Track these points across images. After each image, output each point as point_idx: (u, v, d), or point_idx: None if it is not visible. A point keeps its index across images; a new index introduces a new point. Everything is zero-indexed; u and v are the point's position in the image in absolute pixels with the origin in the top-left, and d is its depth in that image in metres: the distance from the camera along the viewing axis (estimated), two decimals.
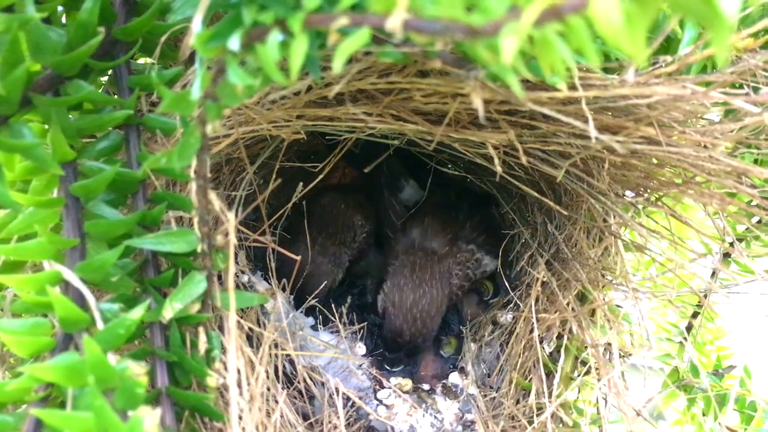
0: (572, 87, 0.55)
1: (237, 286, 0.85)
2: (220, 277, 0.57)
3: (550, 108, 0.56)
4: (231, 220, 0.51)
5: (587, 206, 0.83)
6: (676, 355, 1.02)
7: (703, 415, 0.98)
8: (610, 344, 0.79)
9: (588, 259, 0.85)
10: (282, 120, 0.71)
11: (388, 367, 1.00)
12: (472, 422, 0.89)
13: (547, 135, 0.69)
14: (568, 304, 0.85)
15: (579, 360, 0.86)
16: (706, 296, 0.95)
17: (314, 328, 0.95)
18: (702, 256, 0.80)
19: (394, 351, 0.98)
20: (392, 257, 1.04)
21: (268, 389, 0.72)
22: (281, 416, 0.72)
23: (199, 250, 0.53)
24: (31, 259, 0.59)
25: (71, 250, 0.51)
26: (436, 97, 0.66)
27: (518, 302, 0.96)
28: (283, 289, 0.93)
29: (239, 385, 0.59)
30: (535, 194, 0.81)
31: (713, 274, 0.98)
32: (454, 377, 0.95)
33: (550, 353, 0.87)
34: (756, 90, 0.62)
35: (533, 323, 0.86)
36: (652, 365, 1.03)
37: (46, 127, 0.53)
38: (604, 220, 0.81)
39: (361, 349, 0.94)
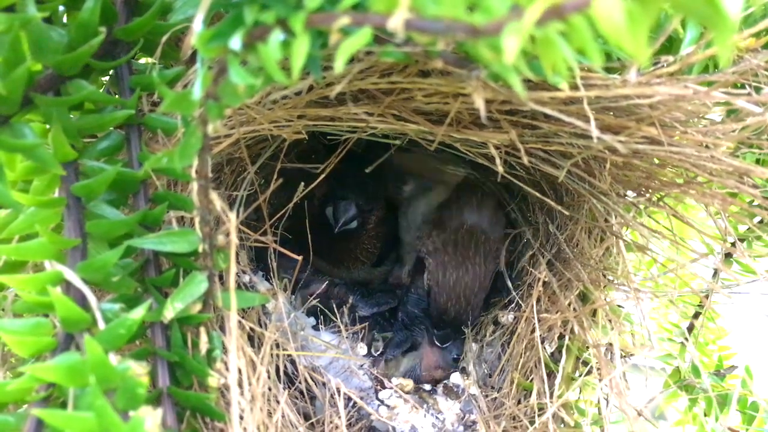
0: (574, 87, 0.55)
1: (238, 286, 0.85)
2: (221, 277, 0.57)
3: (552, 108, 0.56)
4: (232, 220, 0.51)
5: (589, 206, 0.83)
6: (678, 355, 1.02)
7: (705, 415, 0.98)
8: (611, 344, 0.79)
9: (589, 259, 0.85)
10: (283, 120, 0.71)
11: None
12: (474, 422, 0.88)
13: (549, 135, 0.69)
14: (569, 304, 0.85)
15: (580, 360, 0.86)
16: (707, 296, 0.95)
17: (315, 328, 0.95)
18: (704, 257, 0.80)
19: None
20: (433, 236, 1.04)
21: (270, 389, 0.72)
22: (282, 416, 0.72)
23: (200, 250, 0.53)
24: (32, 259, 0.59)
25: (72, 250, 0.51)
26: (438, 97, 0.66)
27: (520, 302, 0.96)
28: (285, 289, 0.93)
29: (240, 385, 0.59)
30: (537, 194, 0.81)
31: (715, 274, 0.97)
32: (455, 377, 0.95)
33: (552, 353, 0.87)
34: (758, 90, 0.62)
35: (535, 323, 0.86)
36: (654, 365, 1.03)
37: (48, 126, 0.53)
38: (606, 220, 0.81)
39: (362, 349, 0.94)
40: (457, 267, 0.97)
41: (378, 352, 0.98)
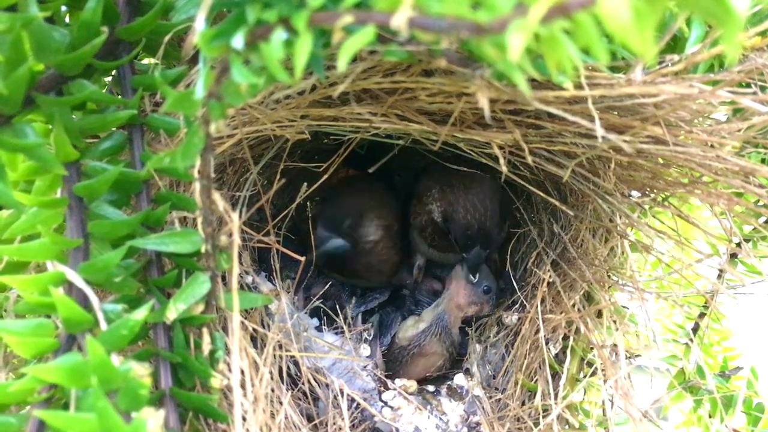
0: (578, 86, 0.55)
1: (241, 287, 0.85)
2: (224, 278, 0.57)
3: (556, 107, 0.56)
4: (235, 220, 0.51)
5: (593, 206, 0.82)
6: (683, 356, 1.02)
7: (710, 416, 0.97)
8: (616, 345, 0.79)
9: (594, 260, 0.85)
10: (286, 120, 0.71)
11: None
12: (478, 424, 0.88)
13: (553, 135, 0.69)
14: (573, 305, 0.84)
15: (585, 361, 0.86)
16: (712, 297, 0.95)
17: (318, 329, 0.95)
18: (708, 257, 0.79)
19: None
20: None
21: (273, 390, 0.72)
22: (285, 417, 0.72)
23: (203, 250, 0.53)
24: (34, 260, 0.59)
25: (75, 250, 0.51)
26: (441, 97, 0.66)
27: (524, 303, 0.96)
28: (288, 290, 0.93)
29: (243, 387, 0.59)
30: (541, 194, 0.81)
31: (720, 274, 0.97)
32: (459, 378, 0.95)
33: (556, 354, 0.87)
34: (763, 89, 0.62)
35: (539, 324, 0.86)
36: (659, 366, 1.02)
37: (50, 127, 0.53)
38: (611, 220, 0.80)
39: (365, 350, 0.94)
40: (463, 180, 0.97)
41: (372, 337, 0.97)
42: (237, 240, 0.52)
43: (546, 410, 0.82)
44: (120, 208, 0.54)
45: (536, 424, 0.81)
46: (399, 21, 0.34)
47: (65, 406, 0.47)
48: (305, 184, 0.84)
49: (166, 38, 0.56)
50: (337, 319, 0.94)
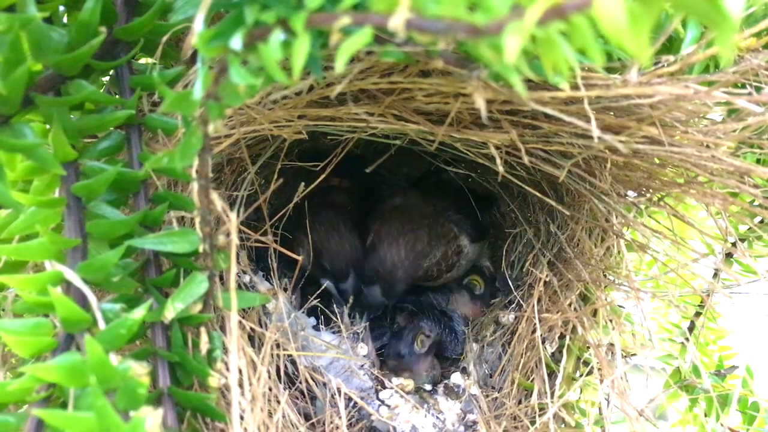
0: (575, 87, 0.55)
1: (239, 286, 0.85)
2: (221, 277, 0.57)
3: (553, 108, 0.56)
4: (233, 220, 0.51)
5: (589, 206, 0.82)
6: (678, 355, 1.02)
7: (705, 415, 0.98)
8: (612, 344, 0.79)
9: (590, 259, 0.85)
10: (284, 120, 0.71)
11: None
12: (474, 422, 0.88)
13: (549, 135, 0.69)
14: (570, 304, 0.85)
15: (581, 360, 0.86)
16: (708, 296, 0.95)
17: (316, 328, 0.95)
18: (704, 256, 0.80)
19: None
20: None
21: (270, 389, 0.72)
22: (283, 416, 0.72)
23: (200, 250, 0.53)
24: (32, 259, 0.59)
25: (73, 250, 0.51)
26: (438, 97, 0.66)
27: (521, 302, 0.96)
28: (285, 289, 0.93)
29: (241, 386, 0.59)
30: (537, 194, 0.81)
31: (715, 274, 0.97)
32: (456, 377, 0.95)
33: (553, 353, 0.87)
34: (758, 89, 0.62)
35: (535, 323, 0.86)
36: (655, 365, 1.03)
37: (48, 126, 0.53)
38: (607, 220, 0.81)
39: (363, 349, 0.94)
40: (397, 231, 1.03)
41: (363, 331, 0.98)
42: (235, 239, 0.52)
43: (542, 409, 0.82)
44: (118, 208, 0.54)
45: (533, 422, 0.81)
46: (396, 22, 0.34)
47: (64, 405, 0.47)
48: (303, 183, 0.85)
49: (165, 38, 0.56)
50: (334, 318, 0.94)
